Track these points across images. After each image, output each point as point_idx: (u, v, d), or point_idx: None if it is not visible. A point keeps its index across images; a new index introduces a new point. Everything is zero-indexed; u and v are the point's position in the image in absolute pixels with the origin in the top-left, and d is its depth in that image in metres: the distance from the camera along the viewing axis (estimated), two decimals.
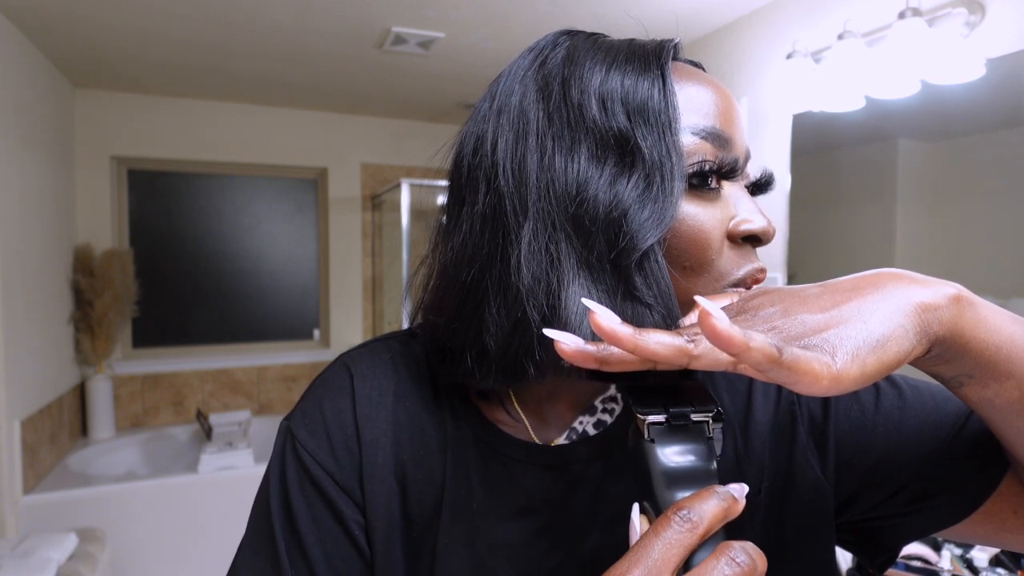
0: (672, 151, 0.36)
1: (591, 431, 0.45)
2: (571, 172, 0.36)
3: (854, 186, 1.89)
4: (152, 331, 3.10)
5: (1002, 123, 1.48)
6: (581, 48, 0.39)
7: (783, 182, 2.00)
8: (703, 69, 0.43)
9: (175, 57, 2.45)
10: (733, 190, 0.40)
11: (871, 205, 1.83)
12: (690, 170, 0.37)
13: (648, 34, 0.42)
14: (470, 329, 0.39)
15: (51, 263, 2.46)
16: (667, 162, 0.36)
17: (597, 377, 0.36)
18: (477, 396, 0.46)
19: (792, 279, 2.03)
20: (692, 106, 0.38)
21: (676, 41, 0.41)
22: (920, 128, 1.67)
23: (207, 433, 2.78)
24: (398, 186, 2.83)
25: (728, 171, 0.39)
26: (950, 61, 1.47)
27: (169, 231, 3.14)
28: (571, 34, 0.41)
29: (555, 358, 0.34)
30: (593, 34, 0.41)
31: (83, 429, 2.81)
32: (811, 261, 2.00)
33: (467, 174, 0.40)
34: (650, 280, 0.36)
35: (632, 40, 0.41)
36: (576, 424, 0.45)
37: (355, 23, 2.13)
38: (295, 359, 3.30)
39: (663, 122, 0.36)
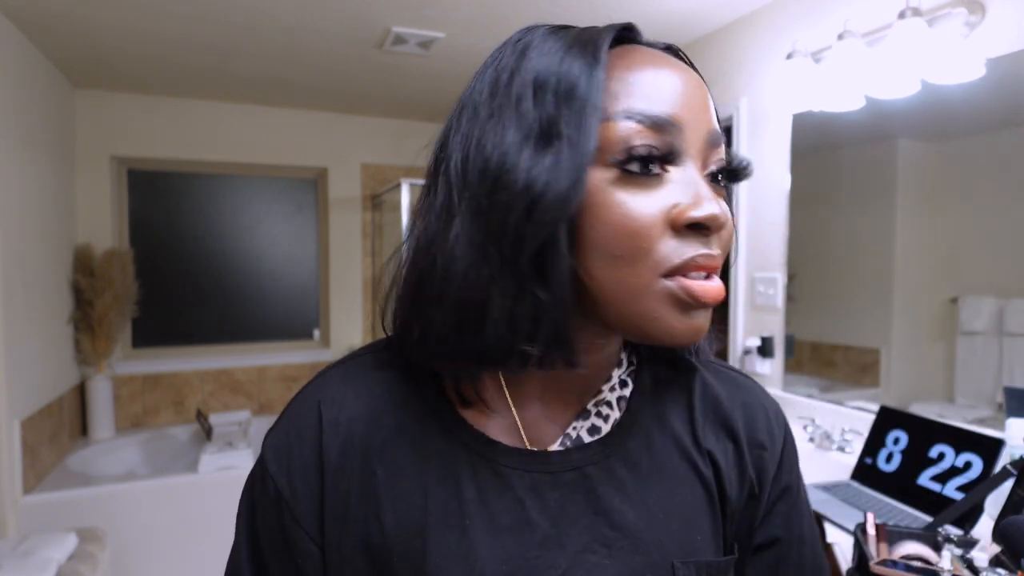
0: (588, 134, 0.35)
1: (586, 437, 0.44)
2: (497, 153, 0.37)
3: (854, 186, 1.89)
4: (152, 331, 3.11)
5: (1002, 123, 1.48)
6: (536, 40, 0.39)
7: (783, 182, 2.00)
8: (679, 52, 0.42)
9: (175, 57, 2.45)
10: (686, 176, 0.37)
11: (871, 205, 1.83)
12: (619, 157, 0.36)
13: (651, 37, 0.42)
14: (421, 318, 0.40)
15: (51, 263, 2.46)
16: (580, 145, 0.35)
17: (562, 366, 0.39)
18: (462, 405, 0.44)
19: (792, 279, 2.03)
20: (633, 90, 0.37)
21: (624, 24, 0.40)
22: (920, 128, 1.67)
23: (207, 433, 2.78)
24: (398, 186, 2.83)
25: (666, 156, 0.37)
26: (950, 61, 1.47)
27: (169, 231, 3.14)
28: (532, 29, 0.41)
29: (494, 349, 0.37)
30: (557, 26, 0.41)
31: (83, 429, 2.81)
32: (811, 261, 2.00)
33: (433, 167, 0.42)
34: (553, 276, 0.36)
35: (588, 28, 0.40)
36: (570, 430, 0.44)
37: (355, 23, 2.13)
38: (295, 359, 3.30)
39: (586, 106, 0.36)
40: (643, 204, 0.36)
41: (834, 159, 1.92)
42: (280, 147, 3.24)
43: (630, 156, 0.36)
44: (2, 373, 1.94)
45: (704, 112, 0.39)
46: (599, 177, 0.36)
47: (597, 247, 0.36)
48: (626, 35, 0.41)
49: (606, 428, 0.45)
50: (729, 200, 0.42)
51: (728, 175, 0.41)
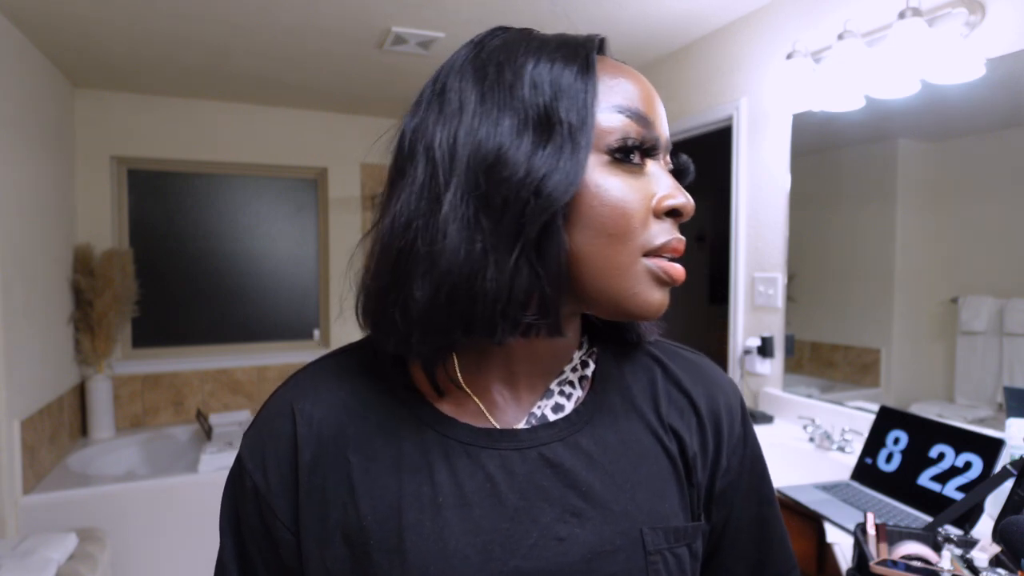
0: (586, 125, 0.39)
1: (550, 415, 0.46)
2: (493, 141, 0.39)
3: (854, 186, 1.89)
4: (152, 331, 3.11)
5: (1002, 123, 1.48)
6: (516, 38, 0.44)
7: (783, 182, 2.00)
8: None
9: (175, 57, 2.45)
10: (656, 169, 0.43)
11: (871, 205, 1.83)
12: (614, 144, 0.40)
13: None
14: (401, 292, 0.41)
15: (51, 263, 2.46)
16: (579, 135, 0.39)
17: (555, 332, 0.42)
18: (431, 393, 0.46)
19: (792, 279, 2.03)
20: (616, 90, 0.42)
21: (601, 37, 0.45)
22: (920, 128, 1.67)
23: (207, 433, 2.78)
24: None
25: (650, 148, 0.42)
26: (950, 61, 1.47)
27: (169, 231, 3.14)
28: (506, 29, 0.46)
29: (485, 317, 0.39)
30: (526, 29, 0.46)
31: (83, 429, 2.81)
32: (811, 261, 2.00)
33: (408, 149, 0.44)
34: (550, 252, 0.39)
35: (563, 34, 0.45)
36: (535, 409, 0.46)
37: (355, 23, 2.13)
38: (295, 359, 3.30)
39: (582, 100, 0.40)
40: (632, 189, 0.41)
41: (834, 159, 1.92)
42: (280, 147, 3.24)
43: (623, 145, 0.40)
44: (2, 373, 1.94)
45: (664, 118, 0.44)
46: (593, 162, 0.40)
47: (591, 226, 0.40)
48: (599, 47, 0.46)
49: (569, 406, 0.47)
50: None
51: (676, 175, 0.46)
